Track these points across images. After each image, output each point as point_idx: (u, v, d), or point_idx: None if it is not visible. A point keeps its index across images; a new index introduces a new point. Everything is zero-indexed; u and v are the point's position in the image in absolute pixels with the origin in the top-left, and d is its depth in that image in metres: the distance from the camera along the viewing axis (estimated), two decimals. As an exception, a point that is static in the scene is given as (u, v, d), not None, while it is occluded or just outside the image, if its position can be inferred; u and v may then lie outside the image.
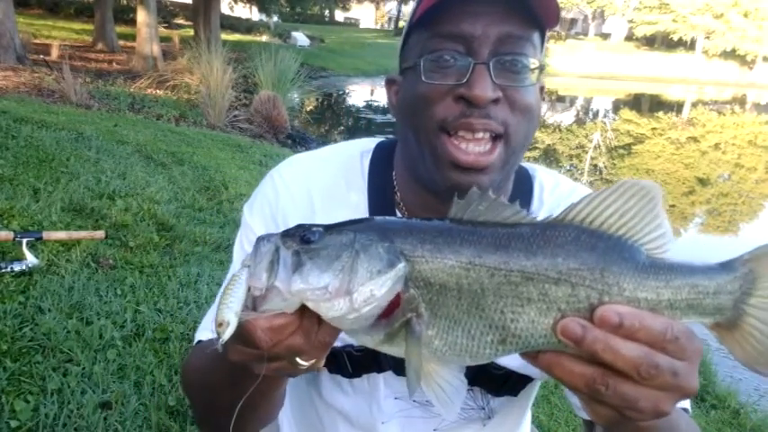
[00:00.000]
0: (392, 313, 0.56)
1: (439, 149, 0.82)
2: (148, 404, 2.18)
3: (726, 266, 0.57)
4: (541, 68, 0.85)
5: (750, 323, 0.57)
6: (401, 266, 0.55)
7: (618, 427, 0.68)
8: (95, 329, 2.53)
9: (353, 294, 0.54)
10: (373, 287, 0.54)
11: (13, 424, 1.94)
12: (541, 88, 0.90)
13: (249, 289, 0.55)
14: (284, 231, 0.58)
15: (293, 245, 0.56)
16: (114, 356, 2.40)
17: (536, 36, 0.83)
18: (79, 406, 2.08)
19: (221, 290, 0.59)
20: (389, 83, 0.97)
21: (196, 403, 0.97)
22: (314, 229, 0.57)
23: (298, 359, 0.61)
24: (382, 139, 1.05)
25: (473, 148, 0.81)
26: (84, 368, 2.29)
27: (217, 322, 0.53)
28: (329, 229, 0.58)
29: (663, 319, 0.52)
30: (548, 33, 0.88)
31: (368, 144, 1.04)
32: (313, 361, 0.62)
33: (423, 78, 0.82)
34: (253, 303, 0.55)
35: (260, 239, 0.57)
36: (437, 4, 0.79)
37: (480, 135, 0.81)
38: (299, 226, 0.58)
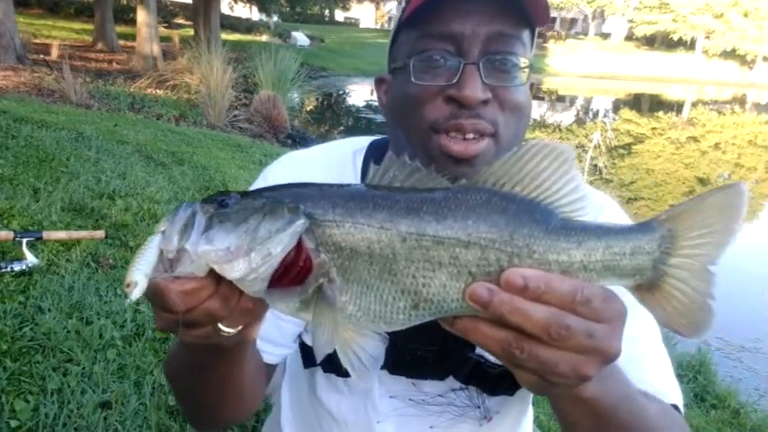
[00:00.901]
0: (305, 279, 0.56)
1: (431, 148, 0.82)
2: (148, 404, 2.18)
3: (643, 227, 0.57)
4: (531, 67, 0.84)
5: (671, 284, 0.57)
6: (299, 223, 0.54)
7: (558, 399, 0.67)
8: (95, 329, 2.53)
9: (252, 254, 0.53)
10: (270, 245, 0.54)
11: (13, 424, 1.94)
12: (531, 85, 0.90)
13: (163, 253, 0.55)
14: (204, 198, 0.58)
15: (210, 209, 0.56)
16: (114, 356, 2.40)
17: (526, 34, 0.83)
18: (79, 406, 2.08)
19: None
20: (379, 82, 0.97)
21: (175, 391, 0.98)
22: (232, 194, 0.57)
23: (220, 326, 0.60)
24: (375, 138, 1.05)
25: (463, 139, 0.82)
26: (84, 368, 2.29)
27: (125, 283, 0.53)
28: (246, 194, 0.58)
29: (571, 281, 0.52)
30: (537, 31, 0.88)
31: (361, 142, 1.04)
32: (239, 328, 0.62)
33: (412, 79, 0.82)
34: (169, 267, 0.55)
35: (180, 206, 0.57)
36: (427, 3, 0.78)
37: (471, 136, 0.81)
38: (220, 192, 0.59)
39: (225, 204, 0.56)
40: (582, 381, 0.55)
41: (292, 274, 0.55)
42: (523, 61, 0.82)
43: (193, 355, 0.61)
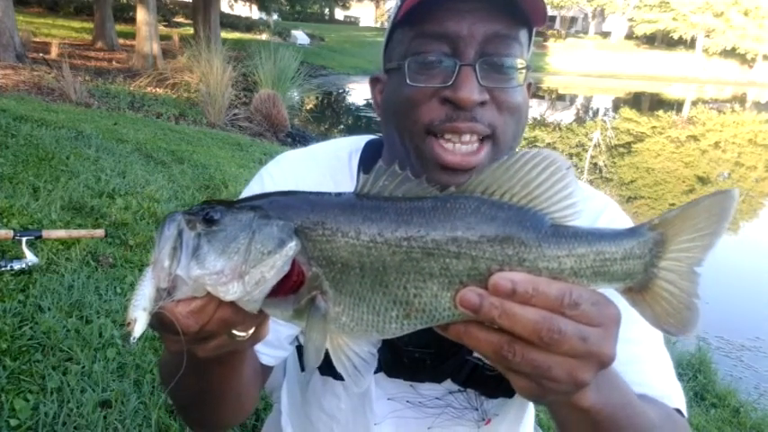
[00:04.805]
0: (298, 290, 0.56)
1: (425, 152, 0.81)
2: (148, 403, 2.17)
3: (634, 231, 0.57)
4: (528, 68, 0.83)
5: (660, 285, 0.58)
6: (291, 245, 0.54)
7: (557, 409, 0.66)
8: (95, 328, 2.53)
9: (245, 277, 0.53)
10: (264, 269, 0.54)
11: (13, 423, 1.94)
12: (529, 85, 0.88)
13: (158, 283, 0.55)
14: (188, 210, 0.57)
15: (196, 226, 0.55)
16: (114, 355, 2.39)
17: (523, 34, 0.82)
18: (79, 405, 2.08)
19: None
20: (374, 81, 0.96)
21: (173, 399, 0.97)
22: (217, 207, 0.56)
23: (234, 332, 0.60)
24: (371, 137, 1.04)
25: (459, 147, 0.80)
26: (83, 367, 2.28)
27: (126, 322, 0.53)
28: (231, 206, 0.57)
29: (560, 285, 0.52)
30: (535, 31, 0.86)
31: (357, 143, 1.03)
32: (252, 330, 0.61)
33: (408, 81, 0.81)
34: (167, 295, 0.55)
35: (165, 220, 0.56)
36: (422, 3, 0.77)
37: (467, 138, 0.80)
38: (205, 203, 0.58)
39: (210, 218, 0.55)
40: (578, 387, 0.55)
41: (285, 287, 0.55)
42: (520, 62, 0.81)
43: (191, 365, 0.61)
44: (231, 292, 0.53)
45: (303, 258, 0.55)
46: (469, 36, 0.78)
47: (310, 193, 0.59)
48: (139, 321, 0.53)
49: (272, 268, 0.54)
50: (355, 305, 0.56)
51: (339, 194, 0.58)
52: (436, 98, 0.80)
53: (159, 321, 0.55)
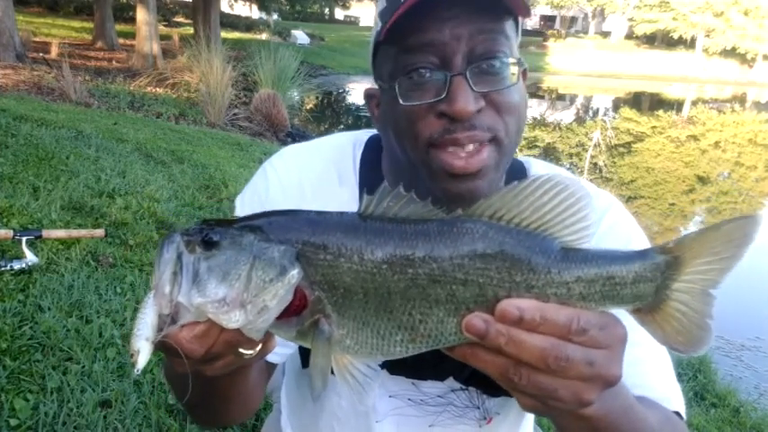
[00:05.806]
0: (301, 312, 0.55)
1: (429, 162, 0.80)
2: (148, 402, 2.17)
3: (645, 254, 0.57)
4: (519, 62, 0.81)
5: (673, 306, 0.57)
6: (293, 273, 0.53)
7: (561, 420, 0.67)
8: (95, 328, 2.53)
9: (248, 306, 0.53)
10: (266, 297, 0.53)
11: (13, 422, 1.94)
12: (524, 72, 0.86)
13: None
14: (186, 231, 0.55)
15: (195, 248, 0.54)
16: (114, 355, 2.39)
17: (509, 27, 0.80)
18: (79, 404, 2.08)
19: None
20: (369, 97, 0.95)
21: (178, 399, 0.98)
22: (216, 228, 0.55)
23: (241, 350, 0.59)
24: (375, 132, 1.03)
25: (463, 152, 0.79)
26: (83, 367, 2.28)
27: (129, 353, 0.53)
28: (230, 228, 0.55)
29: (568, 312, 0.52)
30: (532, 29, 0.85)
31: (361, 136, 1.03)
32: (258, 347, 0.61)
33: (401, 101, 0.79)
34: (171, 321, 0.54)
35: (164, 242, 0.55)
36: (401, 19, 0.75)
37: (470, 147, 0.78)
38: (203, 223, 0.56)
39: (209, 240, 0.54)
40: (582, 406, 0.55)
41: (288, 311, 0.55)
42: (511, 60, 0.79)
43: (197, 380, 0.61)
44: (234, 320, 0.53)
45: (305, 282, 0.54)
46: (454, 42, 0.76)
47: (312, 212, 0.58)
48: (143, 353, 0.52)
49: (275, 297, 0.53)
50: (359, 329, 0.55)
51: (342, 214, 0.57)
52: (432, 113, 0.78)
53: (164, 347, 0.54)
